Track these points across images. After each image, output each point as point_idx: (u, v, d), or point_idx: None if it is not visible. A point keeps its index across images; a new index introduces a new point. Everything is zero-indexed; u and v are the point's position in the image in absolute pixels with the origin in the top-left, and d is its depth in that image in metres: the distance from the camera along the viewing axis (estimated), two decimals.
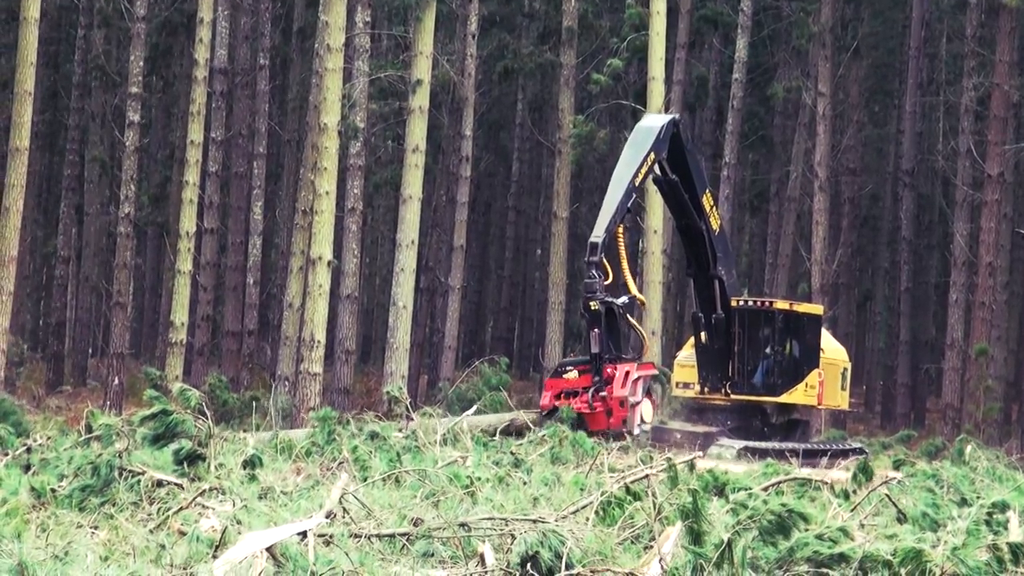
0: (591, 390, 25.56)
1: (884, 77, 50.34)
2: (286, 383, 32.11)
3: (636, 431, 25.66)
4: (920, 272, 47.53)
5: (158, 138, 50.47)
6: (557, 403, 25.85)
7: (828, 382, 29.38)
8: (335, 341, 34.75)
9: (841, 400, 30.39)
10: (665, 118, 28.41)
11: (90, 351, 47.81)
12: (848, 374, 30.50)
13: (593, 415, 25.27)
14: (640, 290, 30.76)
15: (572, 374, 26.35)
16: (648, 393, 26.34)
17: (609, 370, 25.57)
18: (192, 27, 36.09)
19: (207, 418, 19.50)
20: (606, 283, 26.02)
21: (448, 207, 42.03)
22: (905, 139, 44.91)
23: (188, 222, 33.01)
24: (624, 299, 26.49)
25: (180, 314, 32.57)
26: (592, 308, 25.55)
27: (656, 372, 27.40)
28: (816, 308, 31.14)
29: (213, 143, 39.34)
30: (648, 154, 27.03)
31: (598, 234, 26.22)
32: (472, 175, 40.70)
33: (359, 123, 34.97)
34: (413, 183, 33.00)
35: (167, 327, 34.62)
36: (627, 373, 25.43)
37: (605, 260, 26.32)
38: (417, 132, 32.98)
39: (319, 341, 29.61)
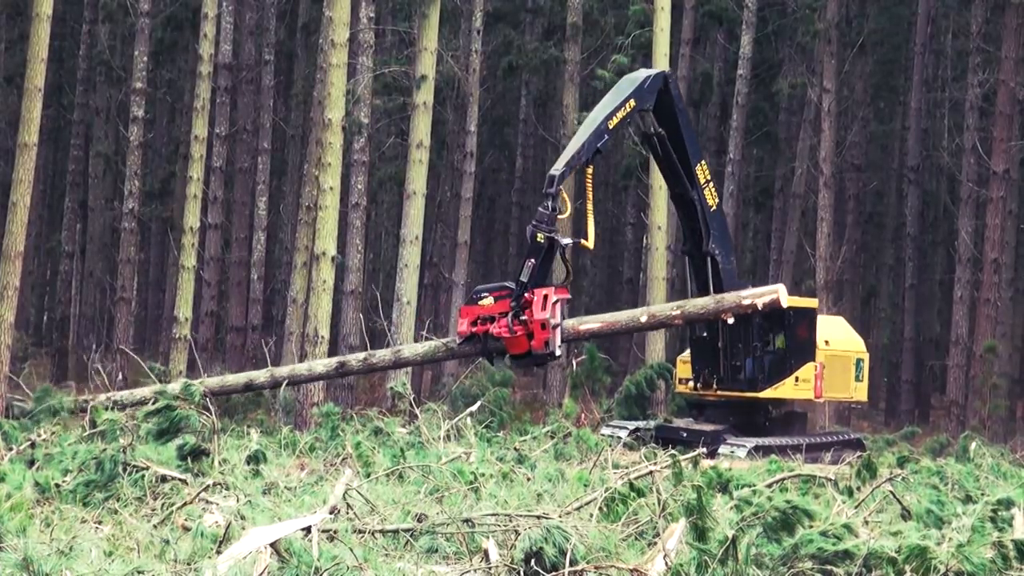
0: (510, 315, 25.12)
1: (889, 73, 50.29)
2: None
3: (558, 352, 25.45)
4: (925, 269, 47.48)
5: (162, 133, 50.49)
6: (474, 330, 25.51)
7: (836, 374, 29.09)
8: (339, 337, 34.75)
9: (855, 392, 29.85)
10: (653, 71, 28.25)
11: (94, 346, 47.82)
12: (865, 364, 29.95)
13: (514, 339, 24.94)
14: (644, 286, 30.61)
15: (487, 300, 25.73)
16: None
17: (527, 295, 25.21)
18: (197, 22, 36.03)
19: (211, 414, 19.54)
20: (561, 217, 25.79)
21: (452, 203, 42.03)
22: (910, 135, 44.86)
23: (192, 217, 32.99)
24: (568, 241, 26.31)
25: (184, 309, 32.55)
26: (537, 239, 25.26)
27: (569, 296, 26.99)
28: (808, 301, 30.66)
29: (217, 138, 39.36)
30: (627, 99, 26.66)
31: (558, 167, 25.94)
32: (476, 171, 40.65)
33: (363, 118, 34.97)
34: (417, 179, 32.99)
35: (171, 322, 34.60)
36: (545, 296, 25.04)
37: (564, 195, 26.14)
38: (421, 128, 32.96)
39: (323, 336, 29.60)
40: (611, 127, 26.54)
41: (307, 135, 37.57)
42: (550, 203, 25.24)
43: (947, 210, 46.69)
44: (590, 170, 26.42)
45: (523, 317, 24.97)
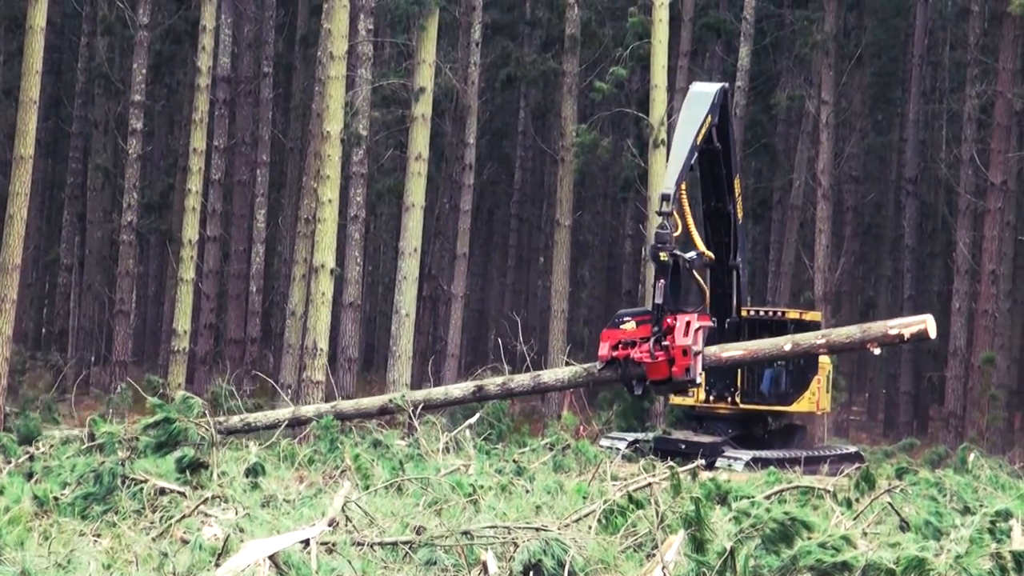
0: (652, 340, 24.68)
1: (887, 85, 50.36)
2: (289, 391, 32.10)
3: (699, 380, 25.19)
4: (923, 280, 47.50)
5: (161, 146, 50.50)
6: (615, 354, 25.05)
7: (824, 386, 29.61)
8: (338, 349, 34.75)
9: (826, 403, 30.54)
10: (716, 85, 28.05)
11: (92, 359, 47.79)
12: (831, 376, 30.59)
13: (654, 364, 24.50)
14: (642, 297, 30.57)
15: (629, 324, 25.32)
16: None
17: (669, 320, 24.80)
18: (195, 35, 36.09)
19: (210, 426, 19.53)
20: (675, 235, 25.41)
21: (451, 215, 42.04)
22: (908, 147, 44.91)
23: (191, 230, 33.03)
24: (692, 254, 25.97)
25: (183, 322, 32.56)
26: (661, 259, 24.84)
27: (713, 323, 26.55)
28: (815, 315, 31.15)
29: (216, 151, 39.36)
30: (707, 116, 26.51)
31: (668, 186, 25.42)
32: (475, 183, 40.67)
33: (362, 131, 34.99)
34: (416, 191, 33.01)
35: (170, 335, 34.62)
36: (688, 322, 24.67)
37: (676, 213, 25.80)
38: (420, 140, 32.98)
39: (322, 349, 29.61)
40: (699, 143, 26.43)
41: (306, 147, 37.59)
42: (667, 222, 24.93)
43: (945, 222, 46.72)
44: (683, 186, 26.32)
45: (665, 343, 24.61)
